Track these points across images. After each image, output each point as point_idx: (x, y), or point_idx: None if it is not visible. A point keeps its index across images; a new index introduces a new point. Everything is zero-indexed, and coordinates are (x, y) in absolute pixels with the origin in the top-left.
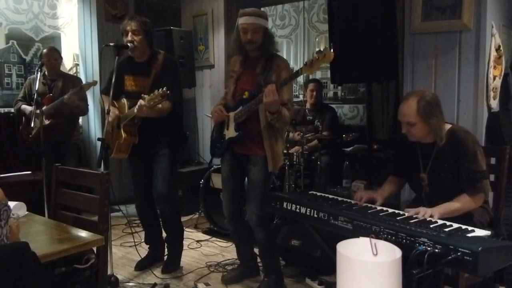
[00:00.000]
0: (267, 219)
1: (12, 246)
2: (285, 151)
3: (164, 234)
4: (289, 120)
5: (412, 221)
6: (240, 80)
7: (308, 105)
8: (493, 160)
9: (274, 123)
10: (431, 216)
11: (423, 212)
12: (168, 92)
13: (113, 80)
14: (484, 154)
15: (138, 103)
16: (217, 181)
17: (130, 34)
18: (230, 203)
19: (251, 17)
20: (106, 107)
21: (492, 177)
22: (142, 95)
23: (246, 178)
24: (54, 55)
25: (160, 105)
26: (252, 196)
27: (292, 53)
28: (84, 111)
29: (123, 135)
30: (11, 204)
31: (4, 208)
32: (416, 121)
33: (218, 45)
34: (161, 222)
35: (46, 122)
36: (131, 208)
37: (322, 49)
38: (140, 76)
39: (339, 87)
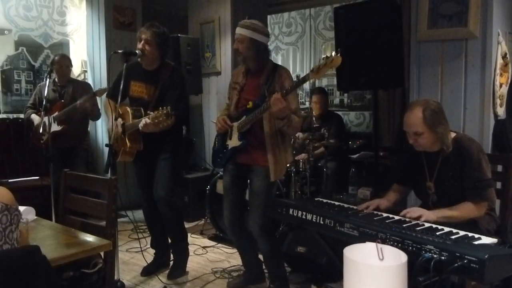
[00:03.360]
0: (270, 229)
1: (23, 249)
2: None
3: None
4: (299, 126)
5: (418, 228)
6: (243, 91)
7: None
8: (499, 168)
9: (286, 129)
10: (424, 219)
11: (412, 212)
12: (173, 112)
13: (121, 85)
14: (491, 161)
15: (143, 121)
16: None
17: (142, 42)
18: (230, 213)
19: (239, 28)
20: (109, 112)
21: (499, 185)
22: (148, 111)
23: (248, 188)
24: (65, 62)
25: (165, 120)
26: (254, 206)
27: (298, 60)
28: (98, 116)
29: (128, 144)
30: (21, 208)
31: (15, 212)
32: (423, 131)
33: (225, 52)
34: (166, 229)
35: (58, 128)
36: (137, 214)
37: (328, 55)
38: (148, 84)
39: (345, 94)
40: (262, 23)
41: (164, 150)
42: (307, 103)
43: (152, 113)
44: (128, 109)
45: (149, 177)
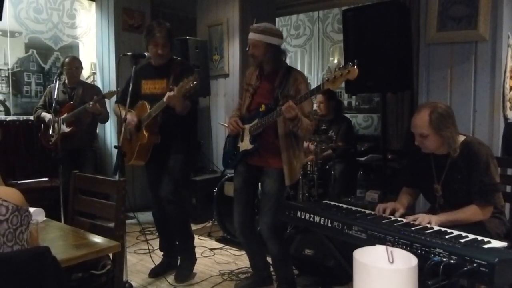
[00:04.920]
0: (280, 231)
1: (33, 250)
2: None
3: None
4: (311, 129)
5: (427, 231)
6: (256, 93)
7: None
8: (509, 171)
9: (296, 130)
10: (429, 223)
11: (421, 219)
12: (194, 79)
13: (130, 88)
14: (501, 164)
15: (168, 94)
16: (230, 189)
17: (160, 46)
18: (241, 215)
19: (253, 33)
20: (123, 115)
21: (508, 188)
22: (171, 86)
23: (260, 189)
24: (75, 64)
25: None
26: (265, 208)
27: (306, 62)
28: (107, 118)
29: (146, 134)
30: (31, 209)
31: (25, 213)
32: (428, 133)
33: (233, 54)
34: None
35: (67, 129)
36: (145, 216)
37: (345, 65)
38: (159, 79)
39: (354, 97)
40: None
41: (177, 151)
42: (315, 106)
43: (176, 87)
44: (146, 103)
45: (160, 180)
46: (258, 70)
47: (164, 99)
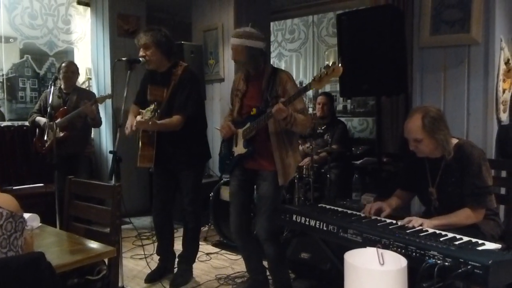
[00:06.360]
0: (277, 234)
1: (28, 256)
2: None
3: (176, 247)
4: (308, 124)
5: (422, 234)
6: (245, 97)
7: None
8: (503, 173)
9: (290, 127)
10: (421, 225)
11: (414, 222)
12: (156, 108)
13: (125, 93)
14: (495, 167)
15: (136, 118)
16: (226, 194)
17: (141, 49)
18: (237, 218)
19: (233, 38)
20: (127, 119)
21: (503, 190)
22: (140, 110)
23: (255, 193)
24: (72, 68)
25: (151, 118)
26: (261, 211)
27: (301, 66)
28: (99, 123)
29: (140, 145)
30: (26, 215)
31: (20, 220)
32: (422, 137)
33: (228, 59)
34: (182, 236)
35: (60, 134)
36: (141, 221)
37: (330, 64)
38: (159, 86)
39: (349, 100)
40: (265, 30)
41: (187, 163)
42: (311, 109)
43: (143, 111)
44: (141, 111)
45: (167, 189)
46: (244, 74)
47: (134, 122)
